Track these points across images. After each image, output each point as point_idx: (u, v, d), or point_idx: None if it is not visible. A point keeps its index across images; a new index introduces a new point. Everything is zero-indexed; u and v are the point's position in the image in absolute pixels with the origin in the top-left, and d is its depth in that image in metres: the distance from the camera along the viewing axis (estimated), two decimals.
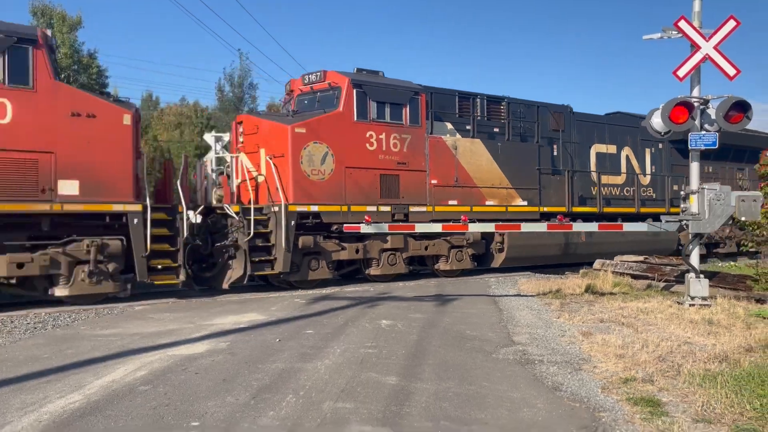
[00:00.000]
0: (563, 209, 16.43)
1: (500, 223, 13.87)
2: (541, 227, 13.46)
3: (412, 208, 14.13)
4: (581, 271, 14.51)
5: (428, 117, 14.52)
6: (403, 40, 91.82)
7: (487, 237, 15.47)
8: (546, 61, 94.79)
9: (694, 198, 10.32)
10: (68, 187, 10.12)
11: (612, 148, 18.37)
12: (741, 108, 9.93)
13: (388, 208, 13.75)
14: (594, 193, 17.54)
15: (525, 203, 16.07)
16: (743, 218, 10.25)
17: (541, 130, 16.57)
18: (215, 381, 5.67)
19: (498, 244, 15.60)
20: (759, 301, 10.13)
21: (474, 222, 13.40)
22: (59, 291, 10.28)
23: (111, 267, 10.55)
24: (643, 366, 6.15)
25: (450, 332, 8.10)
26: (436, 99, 14.82)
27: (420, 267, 15.46)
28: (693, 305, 9.71)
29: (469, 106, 15.46)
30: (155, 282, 11.14)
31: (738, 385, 5.25)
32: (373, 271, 13.83)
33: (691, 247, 10.49)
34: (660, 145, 19.18)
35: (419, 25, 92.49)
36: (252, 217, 12.03)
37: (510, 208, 15.71)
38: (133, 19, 69.52)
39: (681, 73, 10.22)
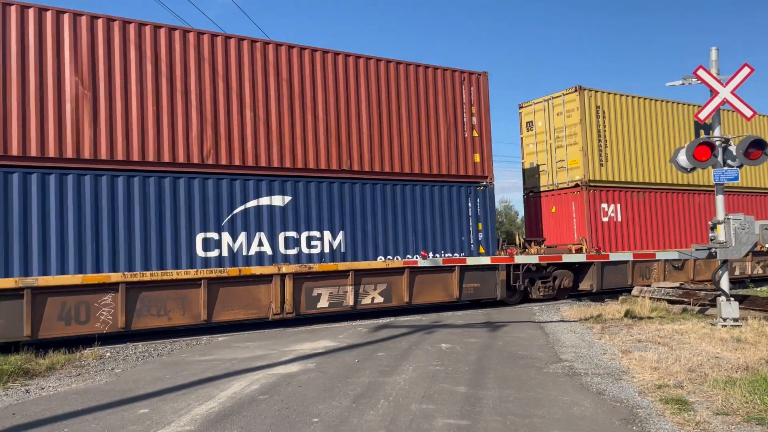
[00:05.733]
0: None
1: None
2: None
3: None
4: (620, 297, 15.46)
5: None
6: None
7: None
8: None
9: (721, 227, 11.34)
10: None
11: None
12: (759, 145, 10.99)
13: None
14: None
15: None
16: (767, 246, 11.21)
17: None
18: (318, 391, 6.94)
19: None
20: None
21: None
22: None
23: None
24: (674, 375, 7.22)
25: (503, 353, 9.25)
26: None
27: None
28: (725, 326, 10.65)
29: None
30: None
31: (753, 387, 6.29)
32: None
33: (720, 272, 11.46)
34: None
35: None
36: None
37: None
38: None
39: (702, 115, 11.38)
